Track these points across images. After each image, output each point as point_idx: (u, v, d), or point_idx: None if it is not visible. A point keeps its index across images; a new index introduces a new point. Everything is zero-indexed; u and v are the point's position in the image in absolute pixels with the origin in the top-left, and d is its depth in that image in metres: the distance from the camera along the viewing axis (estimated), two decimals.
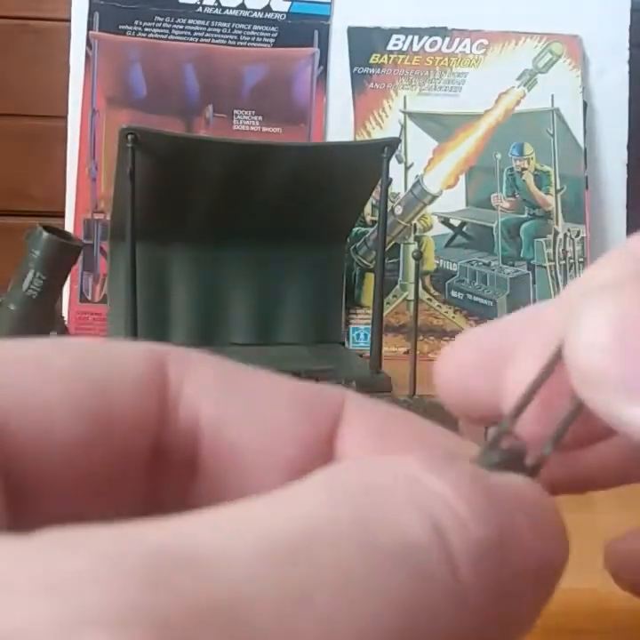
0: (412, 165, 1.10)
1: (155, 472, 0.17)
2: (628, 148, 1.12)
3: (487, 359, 0.19)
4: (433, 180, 1.10)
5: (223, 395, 0.16)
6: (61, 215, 1.07)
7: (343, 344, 1.02)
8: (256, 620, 0.11)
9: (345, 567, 0.12)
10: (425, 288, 1.08)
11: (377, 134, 1.09)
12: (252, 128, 1.09)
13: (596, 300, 0.15)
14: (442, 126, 1.10)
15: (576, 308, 0.15)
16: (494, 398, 0.18)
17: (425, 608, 0.13)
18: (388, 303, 1.05)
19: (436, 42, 1.11)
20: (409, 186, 1.09)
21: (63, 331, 0.84)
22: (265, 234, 0.95)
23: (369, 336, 0.92)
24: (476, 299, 1.08)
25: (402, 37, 1.11)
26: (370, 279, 1.06)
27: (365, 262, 1.08)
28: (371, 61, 1.11)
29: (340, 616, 0.12)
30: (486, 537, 0.14)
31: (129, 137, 0.81)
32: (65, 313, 1.03)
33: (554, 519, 0.15)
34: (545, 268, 1.09)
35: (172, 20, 1.09)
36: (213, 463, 0.17)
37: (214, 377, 0.17)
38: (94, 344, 0.16)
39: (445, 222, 1.09)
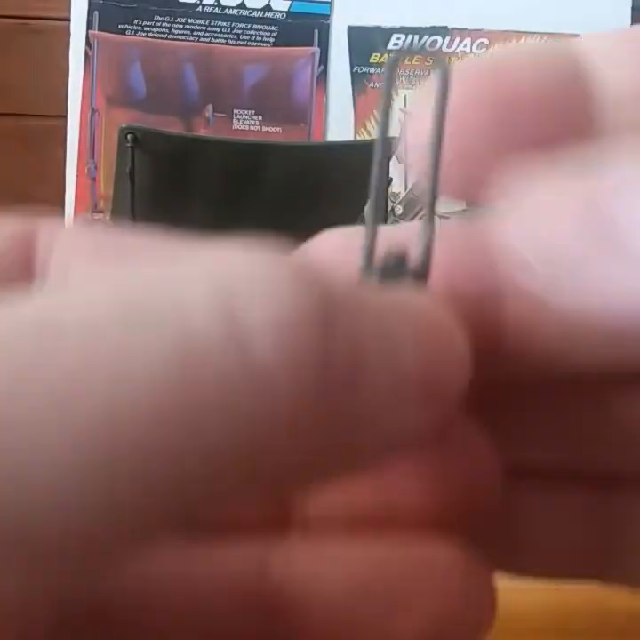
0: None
1: None
2: None
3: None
4: None
5: (94, 254, 0.16)
6: (61, 215, 1.06)
7: None
8: None
9: (89, 326, 0.10)
10: None
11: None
12: (252, 128, 1.09)
13: None
14: None
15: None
16: None
17: (194, 388, 0.10)
18: None
19: (436, 41, 1.11)
20: (409, 186, 1.09)
21: None
22: (264, 234, 0.95)
23: None
24: None
25: (402, 37, 1.11)
26: None
27: None
28: (371, 61, 1.11)
29: (78, 402, 0.10)
30: (297, 309, 0.11)
31: (128, 136, 0.81)
32: None
33: (436, 326, 0.12)
34: None
35: (172, 20, 1.09)
36: None
37: (86, 240, 0.16)
38: None
39: None
